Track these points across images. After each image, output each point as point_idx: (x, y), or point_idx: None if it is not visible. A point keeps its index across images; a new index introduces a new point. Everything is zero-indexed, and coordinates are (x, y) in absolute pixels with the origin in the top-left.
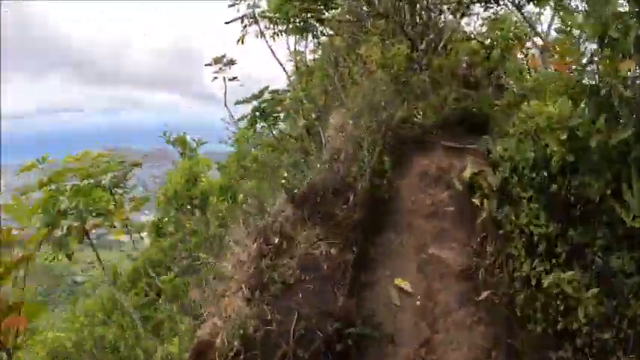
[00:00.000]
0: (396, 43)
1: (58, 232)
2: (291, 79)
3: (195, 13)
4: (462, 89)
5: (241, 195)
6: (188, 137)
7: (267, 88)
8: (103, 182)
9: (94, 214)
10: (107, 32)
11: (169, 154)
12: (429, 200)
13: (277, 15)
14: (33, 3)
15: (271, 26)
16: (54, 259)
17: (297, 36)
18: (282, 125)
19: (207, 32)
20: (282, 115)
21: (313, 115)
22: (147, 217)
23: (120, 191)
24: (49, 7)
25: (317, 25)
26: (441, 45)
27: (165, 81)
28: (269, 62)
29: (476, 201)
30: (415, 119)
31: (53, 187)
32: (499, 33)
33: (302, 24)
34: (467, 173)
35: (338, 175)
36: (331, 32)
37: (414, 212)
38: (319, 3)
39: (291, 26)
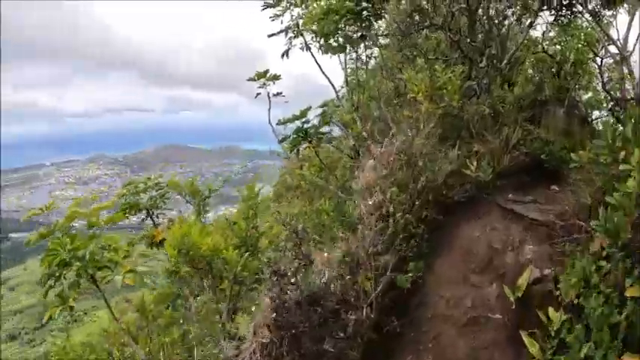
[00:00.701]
0: (449, 65)
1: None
2: (340, 93)
3: (258, 15)
4: (528, 124)
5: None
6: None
7: (309, 108)
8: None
9: (98, 266)
10: (167, 33)
11: (231, 152)
12: (468, 299)
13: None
14: (91, 3)
15: (317, 39)
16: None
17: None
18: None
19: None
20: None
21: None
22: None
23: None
24: (109, 9)
25: (360, 40)
26: (505, 61)
27: (225, 82)
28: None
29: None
30: (467, 171)
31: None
32: (570, 43)
33: (340, 40)
34: (523, 280)
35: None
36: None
37: (445, 319)
38: (363, 17)
39: (331, 42)
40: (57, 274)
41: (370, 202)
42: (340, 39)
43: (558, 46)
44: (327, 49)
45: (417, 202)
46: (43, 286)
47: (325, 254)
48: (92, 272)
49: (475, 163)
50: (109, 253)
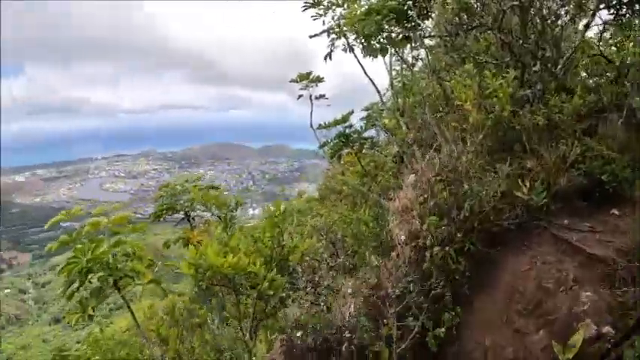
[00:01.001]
0: (500, 69)
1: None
2: (386, 96)
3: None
4: (586, 137)
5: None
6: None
7: (351, 112)
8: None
9: (120, 275)
10: (220, 33)
11: (279, 151)
12: (510, 349)
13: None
14: (145, 4)
15: (359, 40)
16: None
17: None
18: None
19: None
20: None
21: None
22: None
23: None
24: (164, 9)
25: (404, 41)
26: (560, 66)
27: (275, 81)
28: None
29: None
30: (519, 193)
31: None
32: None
33: (382, 42)
34: (577, 338)
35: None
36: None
37: None
38: (408, 17)
39: (373, 44)
40: (79, 282)
41: (406, 230)
42: (383, 40)
43: (614, 48)
44: (368, 51)
45: (459, 233)
46: (63, 294)
47: (355, 281)
48: (116, 278)
49: (528, 184)
50: (131, 262)
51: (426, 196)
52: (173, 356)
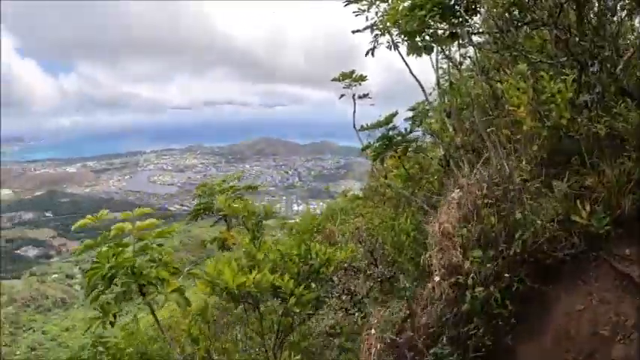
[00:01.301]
0: (556, 70)
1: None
2: (432, 96)
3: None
4: None
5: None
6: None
7: (395, 114)
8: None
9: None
10: (266, 30)
11: (325, 148)
12: None
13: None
14: (192, 4)
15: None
16: None
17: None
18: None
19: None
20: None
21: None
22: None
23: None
24: (211, 9)
25: (450, 39)
26: (621, 66)
27: (321, 78)
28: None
29: None
30: (577, 218)
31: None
32: None
33: (426, 40)
34: None
35: None
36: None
37: None
38: (455, 12)
39: (417, 41)
40: (103, 286)
41: (445, 260)
42: (427, 37)
43: None
44: (411, 49)
45: (506, 271)
46: (86, 297)
47: (384, 315)
48: (141, 283)
49: (588, 207)
50: (155, 270)
51: (470, 221)
52: (204, 355)
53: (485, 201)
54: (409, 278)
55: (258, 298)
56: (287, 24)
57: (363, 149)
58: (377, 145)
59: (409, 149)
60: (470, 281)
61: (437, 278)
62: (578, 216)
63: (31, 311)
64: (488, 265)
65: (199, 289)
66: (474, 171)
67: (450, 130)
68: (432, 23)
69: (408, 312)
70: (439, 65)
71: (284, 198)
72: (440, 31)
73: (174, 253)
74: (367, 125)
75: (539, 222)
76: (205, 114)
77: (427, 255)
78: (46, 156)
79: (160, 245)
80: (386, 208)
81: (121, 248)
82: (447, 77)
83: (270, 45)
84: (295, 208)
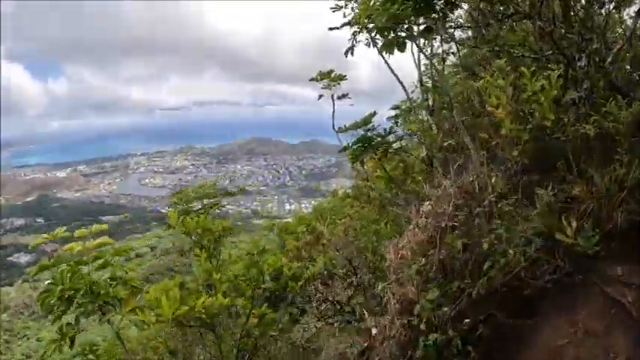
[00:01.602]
0: (539, 65)
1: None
2: (413, 93)
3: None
4: None
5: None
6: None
7: (374, 114)
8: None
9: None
10: (256, 28)
11: (316, 146)
12: None
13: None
14: (189, 3)
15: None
16: None
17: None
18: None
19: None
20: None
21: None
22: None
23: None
24: (198, 8)
25: (426, 33)
26: (610, 59)
27: (309, 76)
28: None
29: None
30: (562, 236)
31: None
32: None
33: (400, 36)
34: None
35: None
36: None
37: None
38: (432, 5)
39: (389, 37)
40: (61, 308)
41: (398, 295)
42: (400, 33)
43: None
44: (384, 45)
45: (470, 310)
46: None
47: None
48: (99, 304)
49: (574, 223)
50: (115, 289)
51: (433, 245)
52: None
53: (451, 223)
54: (370, 309)
55: (213, 322)
56: (279, 22)
57: (341, 151)
58: (355, 147)
59: (389, 150)
60: (423, 326)
61: (388, 317)
62: (564, 234)
63: (25, 318)
64: (445, 310)
65: (142, 317)
66: (444, 183)
67: (434, 129)
68: (404, 18)
69: (365, 344)
70: (421, 62)
71: (276, 197)
72: (416, 27)
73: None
74: (345, 127)
75: (511, 252)
76: (195, 114)
77: (380, 287)
78: (36, 161)
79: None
80: (371, 209)
81: (80, 267)
82: (430, 74)
83: (261, 44)
84: (287, 207)
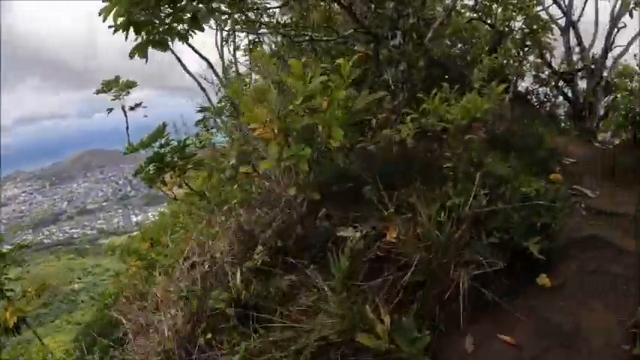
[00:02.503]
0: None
1: None
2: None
3: None
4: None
5: None
6: None
7: (164, 125)
8: None
9: None
10: (73, 31)
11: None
12: None
13: None
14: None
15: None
16: None
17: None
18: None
19: None
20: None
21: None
22: None
23: None
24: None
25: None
26: (430, 35)
27: (138, 77)
28: None
29: None
30: (365, 340)
31: None
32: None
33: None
34: None
35: None
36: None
37: None
38: None
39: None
40: None
41: None
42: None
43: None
44: (136, 48)
45: None
46: None
47: None
48: None
49: (388, 317)
50: None
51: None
52: None
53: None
54: None
55: None
56: (90, 21)
57: (135, 175)
58: (149, 168)
59: (188, 166)
60: None
61: None
62: (367, 337)
63: None
64: None
65: None
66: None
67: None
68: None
69: None
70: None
71: (120, 211)
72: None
73: None
74: (133, 145)
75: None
76: (18, 134)
77: None
78: None
79: None
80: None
81: None
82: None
83: (82, 47)
84: (134, 219)
